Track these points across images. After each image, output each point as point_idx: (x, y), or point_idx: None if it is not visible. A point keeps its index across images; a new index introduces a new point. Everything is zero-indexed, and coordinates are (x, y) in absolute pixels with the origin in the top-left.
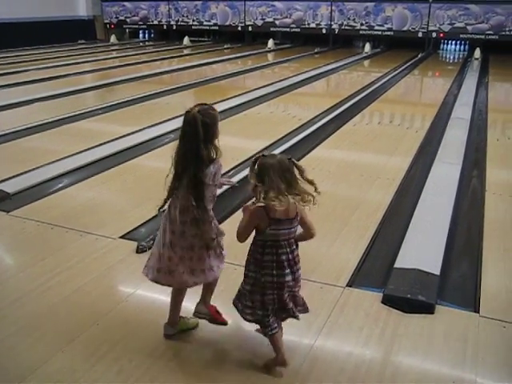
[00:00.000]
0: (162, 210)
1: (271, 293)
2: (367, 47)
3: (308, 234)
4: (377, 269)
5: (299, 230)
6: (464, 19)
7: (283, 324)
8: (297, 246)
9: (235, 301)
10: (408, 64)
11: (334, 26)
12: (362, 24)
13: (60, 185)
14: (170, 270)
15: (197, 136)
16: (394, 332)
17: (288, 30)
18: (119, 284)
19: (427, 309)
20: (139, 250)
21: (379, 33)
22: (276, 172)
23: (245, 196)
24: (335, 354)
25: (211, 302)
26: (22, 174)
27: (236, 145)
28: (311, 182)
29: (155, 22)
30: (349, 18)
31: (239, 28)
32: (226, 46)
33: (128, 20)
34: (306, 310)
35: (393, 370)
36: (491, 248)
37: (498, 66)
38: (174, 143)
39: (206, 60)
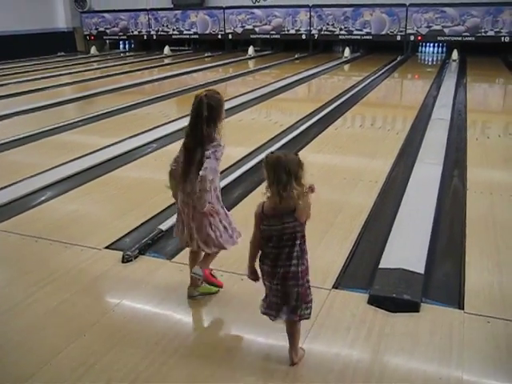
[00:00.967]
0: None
1: (271, 282)
2: (347, 52)
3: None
4: (362, 270)
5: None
6: (441, 22)
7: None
8: (299, 242)
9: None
10: (387, 67)
11: (314, 32)
12: (341, 29)
13: (43, 197)
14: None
15: (202, 116)
16: (380, 331)
17: (268, 36)
18: (105, 294)
19: (412, 307)
20: (125, 260)
21: (358, 37)
22: (271, 169)
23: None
24: (323, 355)
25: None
26: (4, 187)
27: None
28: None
29: (135, 33)
30: (328, 24)
31: (219, 36)
32: (206, 55)
33: (108, 31)
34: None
35: (380, 368)
36: (474, 245)
37: (475, 67)
38: (158, 152)
39: (187, 69)
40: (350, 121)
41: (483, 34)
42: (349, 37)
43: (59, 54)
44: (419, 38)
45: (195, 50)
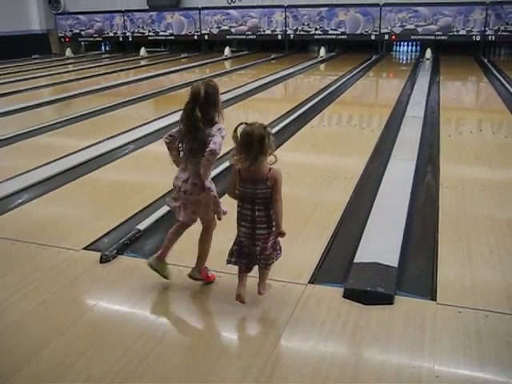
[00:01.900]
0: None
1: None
2: (322, 51)
3: (273, 199)
4: (337, 265)
5: None
6: (414, 21)
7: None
8: (269, 207)
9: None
10: (363, 66)
11: (289, 32)
12: (316, 29)
13: (20, 200)
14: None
15: (200, 101)
16: (355, 324)
17: (244, 37)
18: (84, 295)
19: (387, 300)
20: (103, 260)
21: (333, 37)
22: (242, 138)
23: None
24: (299, 348)
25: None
26: None
27: None
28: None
29: (111, 34)
30: (303, 24)
31: (195, 37)
32: (182, 56)
33: (83, 33)
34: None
35: (355, 360)
36: (446, 239)
37: (448, 66)
38: (135, 153)
39: (164, 70)
40: (326, 119)
41: (455, 33)
42: (324, 37)
43: (34, 56)
44: (393, 37)
45: (171, 51)
